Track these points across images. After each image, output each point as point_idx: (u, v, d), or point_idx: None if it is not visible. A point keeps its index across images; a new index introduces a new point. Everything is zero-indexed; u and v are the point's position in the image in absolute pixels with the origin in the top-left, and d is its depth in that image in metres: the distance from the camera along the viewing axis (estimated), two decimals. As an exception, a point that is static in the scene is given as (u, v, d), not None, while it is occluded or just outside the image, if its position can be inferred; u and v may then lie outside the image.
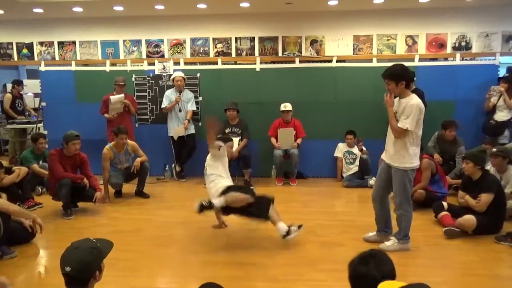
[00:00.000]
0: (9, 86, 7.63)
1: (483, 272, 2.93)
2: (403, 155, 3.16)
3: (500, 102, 5.38)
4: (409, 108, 3.05)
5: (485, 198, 3.56)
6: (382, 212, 3.46)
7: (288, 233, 3.37)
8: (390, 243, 3.29)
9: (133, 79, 6.09)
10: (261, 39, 6.92)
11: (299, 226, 3.44)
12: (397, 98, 3.24)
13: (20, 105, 7.37)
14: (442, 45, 6.64)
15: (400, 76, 3.09)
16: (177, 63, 6.20)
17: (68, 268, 1.65)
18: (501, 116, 5.39)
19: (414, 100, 3.09)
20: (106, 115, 5.60)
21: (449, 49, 6.61)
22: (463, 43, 6.59)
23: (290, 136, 5.61)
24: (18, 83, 7.39)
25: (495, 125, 5.40)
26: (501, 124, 5.36)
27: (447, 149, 5.31)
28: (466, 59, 6.26)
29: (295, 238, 3.39)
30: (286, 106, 5.65)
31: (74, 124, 5.34)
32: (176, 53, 7.02)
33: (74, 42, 7.17)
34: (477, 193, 3.65)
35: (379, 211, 3.48)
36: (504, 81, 5.41)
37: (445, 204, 3.94)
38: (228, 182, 3.50)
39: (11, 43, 7.28)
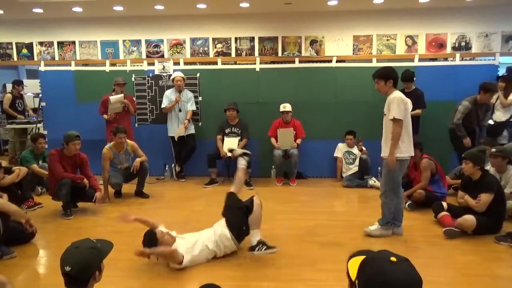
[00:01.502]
0: (9, 86, 7.64)
1: (483, 272, 2.93)
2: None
3: (498, 101, 5.39)
4: (391, 101, 3.33)
5: (485, 198, 3.56)
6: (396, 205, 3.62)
7: (253, 248, 3.07)
8: (374, 228, 3.58)
9: (133, 79, 6.09)
10: (261, 39, 6.92)
11: (270, 248, 3.04)
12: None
13: (20, 105, 7.38)
14: (441, 45, 6.64)
15: (389, 76, 3.39)
16: (177, 63, 6.20)
17: (68, 267, 1.65)
18: (499, 115, 5.38)
19: (394, 94, 3.38)
20: (105, 115, 5.60)
21: (448, 49, 6.61)
22: (463, 43, 6.59)
23: (290, 136, 5.61)
24: (18, 83, 7.41)
25: (494, 125, 5.40)
26: (499, 124, 5.36)
27: (480, 116, 5.16)
28: (466, 59, 6.26)
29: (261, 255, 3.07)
30: (286, 107, 5.65)
31: (74, 124, 5.34)
32: (176, 53, 7.02)
33: (74, 42, 7.17)
34: (476, 193, 3.65)
35: None
36: (502, 80, 5.41)
37: (445, 204, 3.94)
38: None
39: (11, 43, 7.28)
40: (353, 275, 1.18)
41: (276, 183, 5.71)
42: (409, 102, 3.43)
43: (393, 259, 1.10)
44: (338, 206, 4.82)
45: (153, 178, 5.83)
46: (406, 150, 3.37)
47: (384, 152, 3.46)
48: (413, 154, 3.47)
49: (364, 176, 5.54)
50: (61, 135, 4.39)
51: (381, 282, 1.06)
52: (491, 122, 5.43)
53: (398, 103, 3.28)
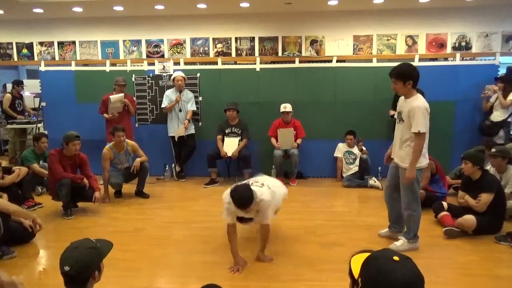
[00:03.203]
0: (9, 86, 7.64)
1: (483, 272, 2.93)
2: (410, 155, 3.10)
3: (497, 102, 5.40)
4: (415, 111, 2.99)
5: (485, 198, 3.56)
6: (392, 210, 3.52)
7: None
8: (399, 243, 3.31)
9: (133, 79, 6.09)
10: (261, 39, 6.91)
11: None
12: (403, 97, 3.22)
13: (19, 106, 7.38)
14: (442, 45, 6.64)
15: (408, 76, 3.05)
16: (177, 63, 6.20)
17: (67, 267, 1.66)
18: (496, 116, 5.39)
19: (418, 101, 3.04)
20: (105, 115, 5.60)
21: (449, 49, 6.61)
22: (463, 43, 6.59)
23: (290, 136, 5.61)
24: (18, 83, 7.41)
25: (490, 125, 5.40)
26: (495, 124, 5.36)
27: None
28: (466, 59, 6.26)
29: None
30: (286, 107, 5.64)
31: (74, 124, 5.35)
32: (176, 53, 7.01)
33: (74, 42, 7.17)
34: (477, 193, 3.65)
35: (389, 208, 3.56)
36: (500, 80, 5.42)
37: (445, 204, 3.95)
38: None
39: (11, 43, 7.28)
40: (356, 273, 1.20)
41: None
42: None
43: (395, 258, 1.12)
44: (338, 206, 4.82)
45: (153, 178, 5.83)
46: (425, 158, 3.16)
47: (402, 162, 3.19)
48: (428, 161, 3.27)
49: (364, 176, 5.54)
50: (61, 135, 4.39)
51: (384, 281, 1.08)
52: (487, 122, 5.44)
53: (423, 114, 2.96)
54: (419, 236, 3.35)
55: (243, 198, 2.80)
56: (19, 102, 7.39)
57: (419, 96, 3.11)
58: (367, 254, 1.21)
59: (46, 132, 5.79)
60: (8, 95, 7.28)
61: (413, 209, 3.25)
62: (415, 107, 2.99)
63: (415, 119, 2.97)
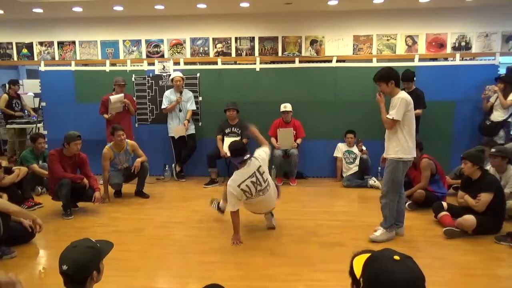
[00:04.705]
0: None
1: (483, 272, 2.93)
2: (396, 146, 3.35)
3: (497, 102, 5.40)
4: (395, 101, 3.30)
5: (485, 198, 3.56)
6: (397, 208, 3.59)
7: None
8: (379, 233, 3.51)
9: (133, 79, 6.09)
10: (261, 39, 6.91)
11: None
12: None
13: (17, 105, 7.36)
14: (442, 45, 6.64)
15: (388, 77, 3.36)
16: (177, 63, 6.20)
17: (65, 266, 1.65)
18: (496, 116, 5.39)
19: (400, 94, 3.34)
20: (105, 115, 5.60)
21: (449, 49, 6.60)
22: (463, 43, 6.58)
23: (289, 136, 5.61)
24: (14, 82, 7.39)
25: (490, 125, 5.41)
26: (496, 124, 5.37)
27: None
28: (466, 59, 6.26)
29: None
30: (286, 107, 5.65)
31: (74, 124, 5.34)
32: (176, 53, 7.01)
33: (74, 42, 7.16)
34: (476, 193, 3.65)
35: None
36: (500, 80, 5.42)
37: (444, 204, 3.95)
38: None
39: (11, 43, 7.27)
40: (358, 273, 1.21)
41: (276, 183, 5.69)
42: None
43: (396, 257, 1.13)
44: (338, 206, 4.82)
45: (153, 178, 5.83)
46: (410, 151, 3.33)
47: (387, 153, 3.44)
48: (415, 155, 3.44)
49: (364, 176, 5.54)
50: (61, 135, 4.39)
51: (385, 280, 1.10)
52: (487, 122, 5.45)
53: (402, 106, 3.24)
54: (396, 224, 3.53)
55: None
56: (17, 102, 7.36)
57: (402, 92, 3.41)
58: (369, 254, 1.22)
59: (42, 133, 5.79)
60: (5, 95, 7.26)
61: (390, 198, 3.44)
62: (396, 98, 3.32)
63: (392, 108, 3.32)
